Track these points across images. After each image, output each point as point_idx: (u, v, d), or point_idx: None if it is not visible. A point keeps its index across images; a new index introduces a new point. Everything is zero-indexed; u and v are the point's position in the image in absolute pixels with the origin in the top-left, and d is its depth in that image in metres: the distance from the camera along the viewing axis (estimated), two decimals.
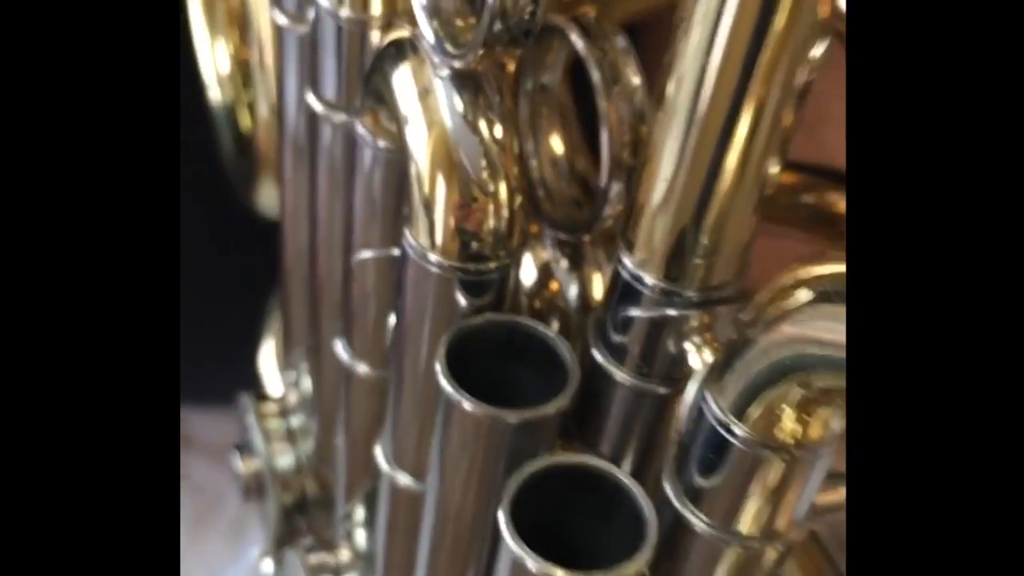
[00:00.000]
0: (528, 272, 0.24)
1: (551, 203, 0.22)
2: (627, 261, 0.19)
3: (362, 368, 0.26)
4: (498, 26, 0.18)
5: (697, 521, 0.18)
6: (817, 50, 0.17)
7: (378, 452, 0.25)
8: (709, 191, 0.18)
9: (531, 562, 0.18)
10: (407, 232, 0.21)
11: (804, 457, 0.17)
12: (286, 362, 0.34)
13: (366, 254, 0.24)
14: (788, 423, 0.16)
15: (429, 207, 0.20)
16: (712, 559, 0.18)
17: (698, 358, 0.19)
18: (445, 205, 0.20)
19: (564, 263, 0.23)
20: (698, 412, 0.18)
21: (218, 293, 0.47)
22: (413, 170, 0.20)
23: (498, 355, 0.21)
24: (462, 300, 0.21)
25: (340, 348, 0.26)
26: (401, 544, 0.26)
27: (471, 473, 0.20)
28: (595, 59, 0.20)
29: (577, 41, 0.20)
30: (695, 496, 0.18)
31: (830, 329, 0.15)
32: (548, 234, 0.23)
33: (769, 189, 0.18)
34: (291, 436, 0.33)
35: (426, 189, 0.20)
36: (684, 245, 0.18)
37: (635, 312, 0.19)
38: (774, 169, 0.18)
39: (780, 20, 0.16)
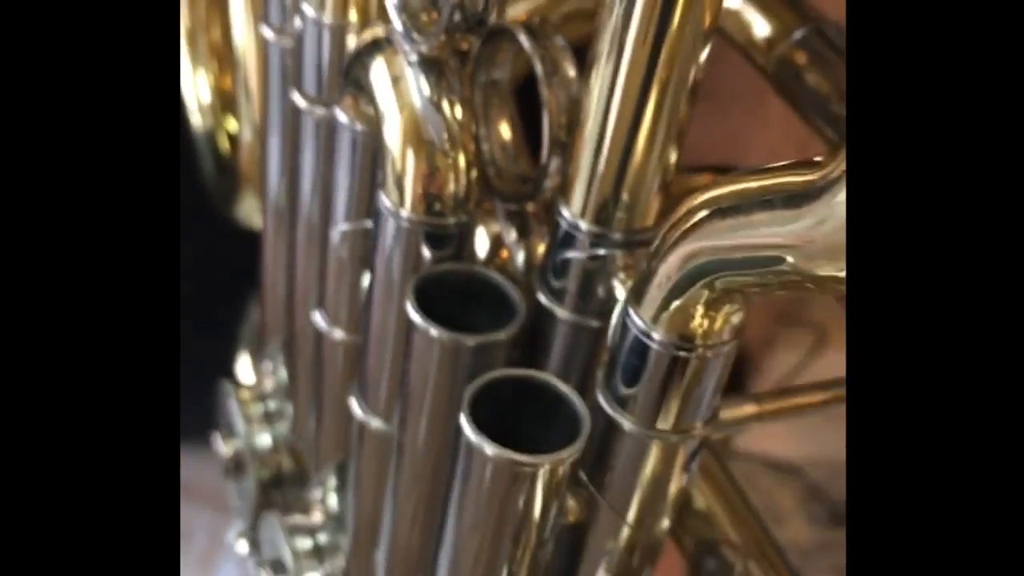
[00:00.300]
0: (482, 243, 0.27)
1: (500, 179, 0.26)
2: (565, 213, 0.23)
3: (337, 333, 0.30)
4: (457, 16, 0.23)
5: (624, 421, 0.22)
6: (703, 52, 0.21)
7: (352, 403, 0.28)
8: (626, 156, 0.22)
9: (489, 448, 0.21)
10: (381, 195, 0.24)
11: (708, 355, 0.21)
12: (262, 354, 0.38)
13: (343, 226, 0.28)
14: (697, 321, 0.20)
15: (400, 173, 0.24)
16: (638, 454, 0.22)
17: (623, 292, 0.23)
18: (414, 171, 0.24)
19: (512, 234, 0.27)
20: (622, 327, 0.21)
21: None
22: (388, 142, 0.24)
23: (458, 300, 0.24)
24: (426, 251, 0.25)
25: (318, 317, 0.30)
26: (371, 490, 0.30)
27: (436, 393, 0.24)
28: (538, 55, 0.24)
29: (524, 40, 0.24)
30: (622, 401, 0.22)
31: (724, 236, 0.19)
32: (499, 209, 0.27)
33: (669, 158, 0.22)
34: (268, 418, 0.37)
35: (398, 158, 0.24)
36: (608, 197, 0.22)
37: (572, 255, 0.23)
38: (672, 142, 0.22)
39: (673, 28, 0.21)
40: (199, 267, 0.48)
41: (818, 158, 0.18)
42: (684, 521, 0.29)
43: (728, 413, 0.24)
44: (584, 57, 0.25)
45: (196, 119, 0.43)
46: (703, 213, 0.19)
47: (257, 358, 0.38)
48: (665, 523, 0.24)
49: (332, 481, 0.34)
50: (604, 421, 0.22)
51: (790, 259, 0.18)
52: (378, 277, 0.25)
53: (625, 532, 0.24)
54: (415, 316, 0.23)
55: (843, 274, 0.17)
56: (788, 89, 0.30)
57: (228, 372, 0.42)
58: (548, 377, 0.23)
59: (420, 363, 0.24)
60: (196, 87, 0.43)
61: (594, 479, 0.23)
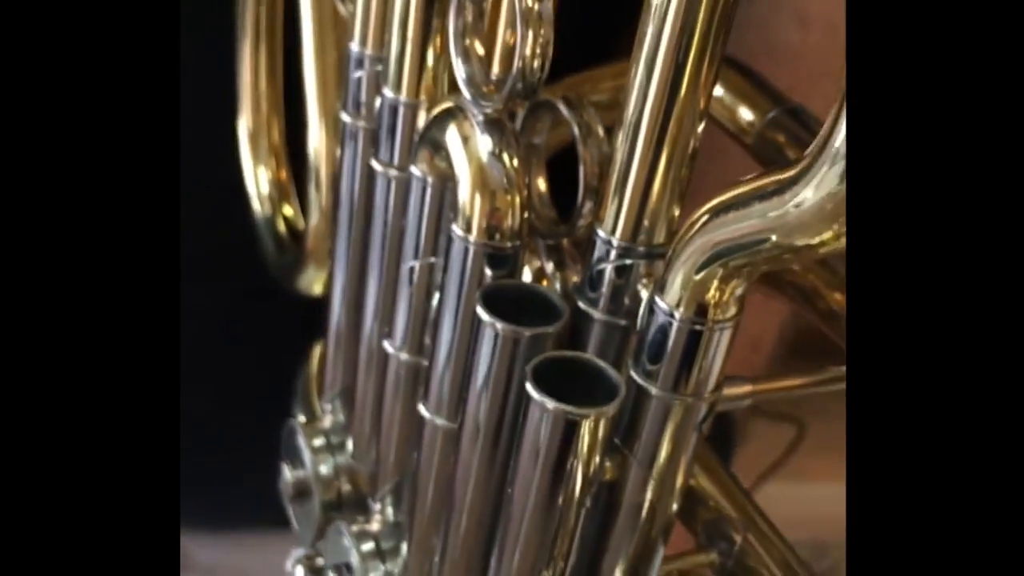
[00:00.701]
0: (527, 275, 0.34)
1: (540, 220, 0.33)
2: (601, 233, 0.30)
3: (404, 356, 0.36)
4: (518, 86, 0.30)
5: (653, 388, 0.28)
6: (700, 126, 0.28)
7: (420, 407, 0.35)
8: (646, 195, 0.29)
9: (549, 403, 0.28)
10: (454, 227, 0.31)
11: (717, 328, 0.27)
12: (323, 398, 0.44)
13: (414, 262, 0.35)
14: (710, 295, 0.27)
15: (469, 209, 0.31)
16: (663, 415, 0.29)
17: (645, 294, 0.30)
18: (480, 208, 0.31)
19: (551, 266, 0.34)
20: (650, 313, 0.28)
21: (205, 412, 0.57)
22: (460, 186, 0.31)
23: (512, 308, 0.31)
24: (488, 269, 0.31)
25: (386, 344, 0.37)
26: (431, 483, 0.36)
27: (498, 377, 0.30)
28: (575, 120, 0.32)
29: (564, 109, 0.32)
30: (650, 374, 0.29)
31: (723, 229, 0.26)
32: (540, 245, 0.34)
33: (677, 196, 0.29)
34: (330, 449, 0.43)
35: (468, 198, 0.31)
36: (633, 221, 0.29)
37: (605, 266, 0.30)
38: (679, 185, 0.29)
39: (677, 108, 0.28)
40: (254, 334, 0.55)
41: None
42: (691, 508, 0.35)
43: (728, 391, 0.30)
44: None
45: (257, 207, 0.50)
46: (706, 217, 0.26)
47: (320, 400, 0.44)
48: (681, 479, 0.30)
49: (389, 497, 0.40)
50: (635, 391, 0.29)
51: (773, 237, 0.25)
52: (449, 294, 0.32)
53: (651, 486, 0.30)
54: (483, 314, 0.30)
55: (815, 241, 0.24)
56: (768, 158, 0.38)
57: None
58: (590, 356, 0.29)
59: (485, 355, 0.30)
60: (257, 181, 0.50)
61: (626, 443, 0.30)
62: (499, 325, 0.30)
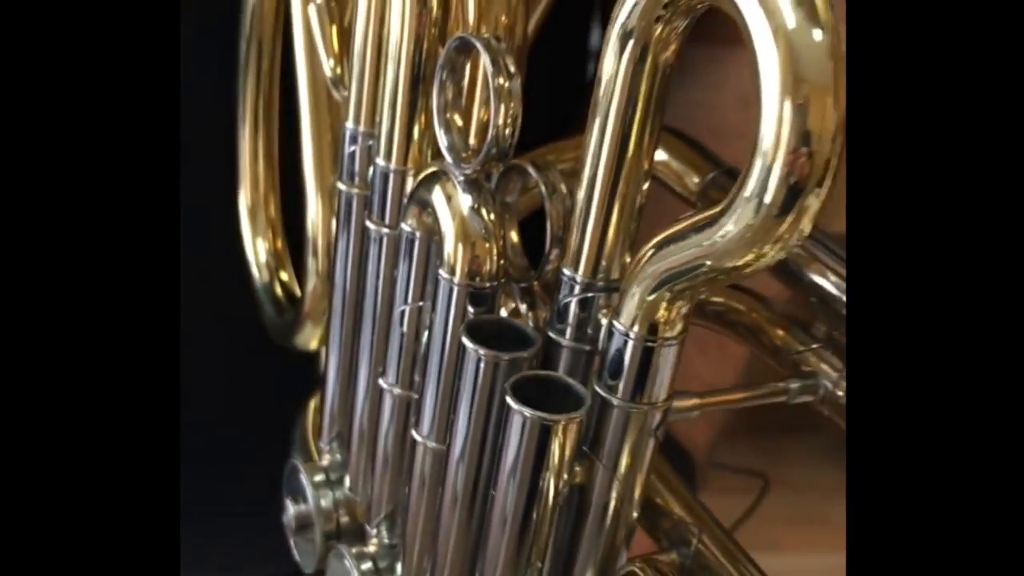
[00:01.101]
0: (504, 314, 0.40)
1: (513, 267, 0.39)
2: (567, 272, 0.35)
3: (396, 391, 0.41)
4: (492, 151, 0.36)
5: (614, 399, 0.34)
6: (644, 184, 0.34)
7: (413, 433, 0.40)
8: (602, 241, 0.34)
9: (527, 412, 0.33)
10: (440, 271, 0.37)
11: (666, 344, 0.33)
12: (321, 439, 0.49)
13: (404, 307, 0.40)
14: (659, 315, 0.32)
15: (453, 256, 0.37)
16: (623, 423, 0.34)
17: (605, 321, 0.35)
18: (463, 255, 0.37)
19: (524, 307, 0.39)
20: (609, 335, 0.33)
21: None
22: (445, 237, 0.37)
23: (493, 339, 0.36)
24: (470, 307, 0.37)
25: (380, 382, 0.42)
26: (426, 505, 0.40)
27: (481, 397, 0.35)
28: (542, 181, 0.37)
29: (533, 172, 0.37)
30: (611, 388, 0.34)
31: (670, 258, 0.31)
32: (514, 288, 0.39)
33: (628, 241, 0.35)
34: (329, 484, 0.47)
35: (452, 247, 0.37)
36: (593, 261, 0.35)
37: (571, 299, 0.35)
38: (629, 233, 0.34)
39: (625, 170, 0.33)
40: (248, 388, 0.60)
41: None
42: (653, 518, 0.40)
43: (678, 403, 0.36)
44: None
45: (256, 275, 0.55)
46: (652, 250, 0.32)
47: (318, 442, 0.49)
48: (641, 478, 0.35)
49: (384, 523, 0.45)
50: (600, 403, 0.34)
51: (708, 263, 0.30)
52: (437, 329, 0.37)
53: (615, 487, 0.35)
54: (468, 343, 0.35)
55: (740, 263, 0.29)
56: None
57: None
58: (560, 375, 0.34)
59: (470, 379, 0.36)
60: (256, 251, 0.55)
61: (593, 450, 0.35)
62: (482, 351, 0.35)
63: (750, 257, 0.29)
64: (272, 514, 0.52)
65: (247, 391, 0.61)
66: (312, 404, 0.54)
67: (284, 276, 0.55)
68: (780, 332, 0.41)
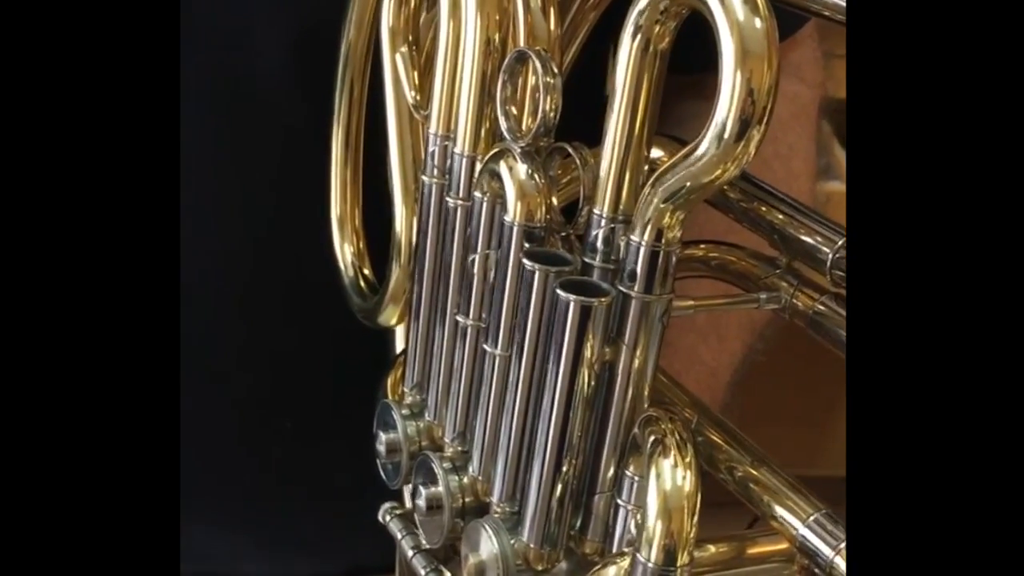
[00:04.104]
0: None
1: (554, 222, 0.53)
2: (596, 211, 0.50)
3: (471, 322, 0.55)
4: (541, 129, 0.50)
5: (632, 292, 0.48)
6: (650, 146, 0.49)
7: (486, 347, 0.53)
8: (620, 183, 0.49)
9: (572, 298, 0.47)
10: (505, 217, 0.51)
11: (669, 249, 0.47)
12: (404, 381, 0.63)
13: (476, 255, 0.54)
14: (664, 222, 0.46)
15: (516, 207, 0.51)
16: (640, 309, 0.48)
17: (622, 245, 0.49)
18: (522, 206, 0.51)
19: (562, 245, 0.54)
20: (626, 247, 0.48)
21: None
22: (508, 197, 0.51)
23: (542, 263, 0.51)
24: (525, 242, 0.51)
25: (459, 318, 0.56)
26: (494, 406, 0.54)
27: (536, 305, 0.49)
28: (577, 155, 0.52)
29: (571, 150, 0.52)
30: (629, 286, 0.48)
31: (666, 181, 0.46)
32: (557, 239, 0.54)
33: (637, 182, 0.49)
34: (413, 416, 0.61)
35: (514, 202, 0.51)
36: (613, 203, 0.49)
37: (598, 231, 0.50)
38: (640, 175, 0.49)
39: (634, 148, 0.49)
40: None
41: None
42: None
43: (678, 303, 0.50)
44: None
45: (343, 271, 0.70)
46: (652, 181, 0.46)
47: (401, 386, 0.63)
48: (654, 356, 0.49)
49: (457, 439, 0.58)
50: (622, 298, 0.48)
51: (690, 182, 0.44)
52: (503, 260, 0.52)
53: (636, 361, 0.49)
54: (527, 262, 0.50)
55: (713, 176, 0.44)
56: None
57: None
58: (593, 280, 0.49)
59: (528, 290, 0.50)
60: (343, 253, 0.70)
61: (618, 335, 0.49)
62: (537, 266, 0.49)
63: (718, 172, 0.44)
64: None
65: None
66: (396, 372, 0.67)
67: (367, 271, 0.70)
68: (753, 266, 0.55)
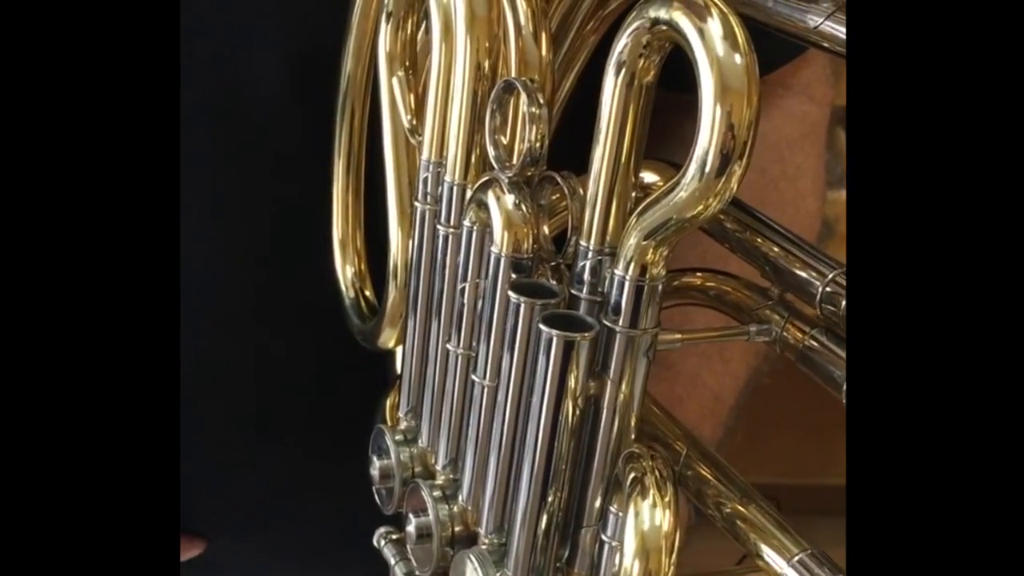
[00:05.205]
0: None
1: (543, 251, 0.53)
2: (583, 243, 0.49)
3: (460, 350, 0.55)
4: (528, 159, 0.50)
5: (617, 327, 0.47)
6: (633, 190, 0.49)
7: (473, 377, 0.53)
8: (607, 217, 0.48)
9: (555, 333, 0.46)
10: (492, 248, 0.51)
11: (652, 284, 0.46)
12: (399, 407, 0.63)
13: (464, 284, 0.54)
14: (648, 258, 0.45)
15: (503, 237, 0.51)
16: (625, 344, 0.47)
17: (608, 276, 0.49)
18: (508, 236, 0.51)
19: (553, 281, 0.53)
20: (611, 280, 0.47)
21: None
22: (495, 226, 0.51)
23: (529, 295, 0.50)
24: (512, 273, 0.51)
25: (450, 345, 0.56)
26: (482, 435, 0.53)
27: (522, 338, 0.49)
28: (566, 185, 0.52)
29: (559, 179, 0.52)
30: (614, 320, 0.47)
31: (649, 217, 0.45)
32: (545, 268, 0.53)
33: (622, 218, 0.49)
34: (407, 443, 0.61)
35: (500, 232, 0.51)
36: (599, 235, 0.49)
37: (584, 262, 0.49)
38: (626, 215, 0.48)
39: (620, 175, 0.48)
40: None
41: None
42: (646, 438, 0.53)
43: (664, 336, 0.49)
44: None
45: (345, 292, 0.70)
46: (636, 216, 0.46)
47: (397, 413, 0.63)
48: (639, 391, 0.48)
49: (448, 466, 0.58)
50: (606, 332, 0.48)
51: (673, 217, 0.44)
52: (489, 291, 0.51)
53: (621, 396, 0.48)
54: (512, 295, 0.49)
55: (695, 212, 0.43)
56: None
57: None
58: (577, 313, 0.48)
59: (513, 322, 0.49)
60: (345, 274, 0.70)
61: (603, 370, 0.48)
62: (523, 299, 0.49)
63: (700, 208, 0.43)
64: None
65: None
66: (394, 395, 0.67)
67: (368, 293, 0.69)
68: (746, 297, 0.54)
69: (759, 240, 0.53)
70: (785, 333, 0.51)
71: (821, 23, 0.48)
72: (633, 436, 0.49)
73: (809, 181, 0.80)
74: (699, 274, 0.59)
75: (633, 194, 0.48)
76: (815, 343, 0.50)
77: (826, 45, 0.49)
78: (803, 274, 0.51)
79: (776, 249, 0.52)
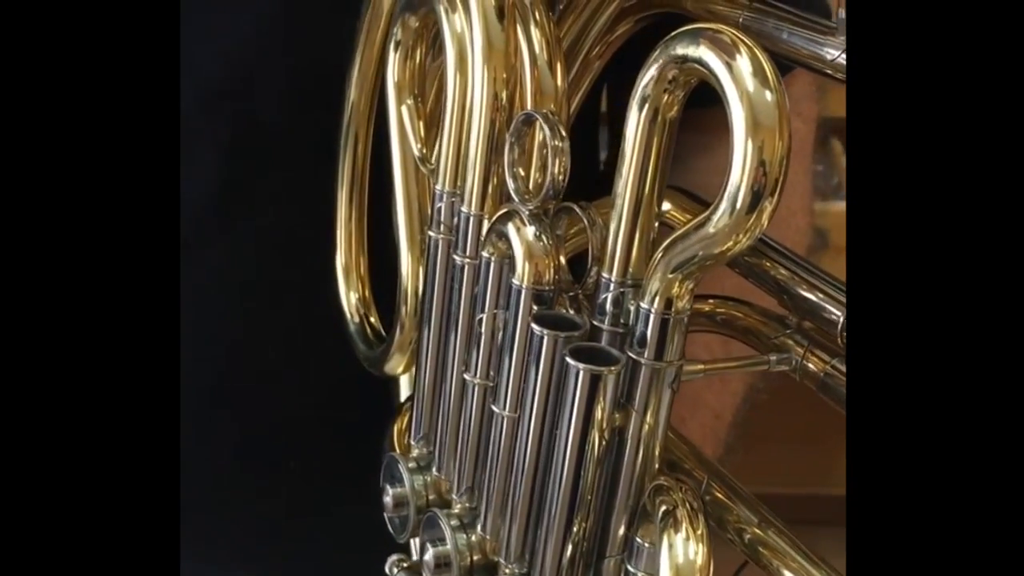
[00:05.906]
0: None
1: (563, 282, 0.53)
2: (605, 275, 0.49)
3: (478, 381, 0.55)
4: (550, 192, 0.50)
5: (642, 359, 0.47)
6: (656, 221, 0.49)
7: (493, 408, 0.53)
8: (630, 249, 0.49)
9: (582, 366, 0.46)
10: (513, 280, 0.51)
11: (678, 316, 0.47)
12: (410, 435, 0.63)
13: (483, 314, 0.54)
14: (673, 292, 0.46)
15: (523, 269, 0.51)
16: (650, 376, 0.47)
17: (631, 309, 0.49)
18: (529, 269, 0.51)
19: (572, 311, 0.54)
20: (636, 312, 0.47)
21: None
22: (516, 258, 0.51)
23: (551, 327, 0.50)
24: (534, 305, 0.51)
25: (467, 376, 0.56)
26: (502, 466, 0.54)
27: (544, 370, 0.49)
28: (585, 216, 0.52)
29: (578, 210, 0.52)
30: (639, 352, 0.48)
31: (676, 251, 0.45)
32: (565, 299, 0.54)
33: (645, 249, 0.49)
34: (420, 470, 0.61)
35: (521, 263, 0.51)
36: (622, 267, 0.49)
37: (607, 294, 0.49)
38: (645, 246, 0.49)
39: (644, 208, 0.48)
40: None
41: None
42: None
43: (688, 367, 0.50)
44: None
45: (349, 319, 0.70)
46: (663, 250, 0.46)
47: (406, 440, 0.63)
48: (664, 422, 0.49)
49: (465, 494, 0.58)
50: (631, 364, 0.48)
51: (701, 252, 0.44)
52: (511, 323, 0.51)
53: (646, 428, 0.48)
54: (535, 328, 0.49)
55: (723, 248, 0.43)
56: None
57: None
58: (602, 345, 0.48)
59: (536, 356, 0.50)
60: (349, 300, 0.70)
61: (628, 401, 0.48)
62: (546, 332, 0.49)
63: (729, 244, 0.43)
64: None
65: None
66: (401, 420, 0.67)
67: (372, 319, 0.69)
68: (763, 325, 0.55)
69: (779, 269, 0.54)
70: (806, 362, 0.52)
71: (838, 56, 0.49)
72: (657, 466, 0.50)
73: (798, 198, 0.81)
74: (710, 300, 0.60)
75: (655, 219, 0.48)
76: (836, 372, 0.50)
77: (840, 76, 0.50)
78: (821, 302, 0.51)
79: (792, 276, 0.52)
